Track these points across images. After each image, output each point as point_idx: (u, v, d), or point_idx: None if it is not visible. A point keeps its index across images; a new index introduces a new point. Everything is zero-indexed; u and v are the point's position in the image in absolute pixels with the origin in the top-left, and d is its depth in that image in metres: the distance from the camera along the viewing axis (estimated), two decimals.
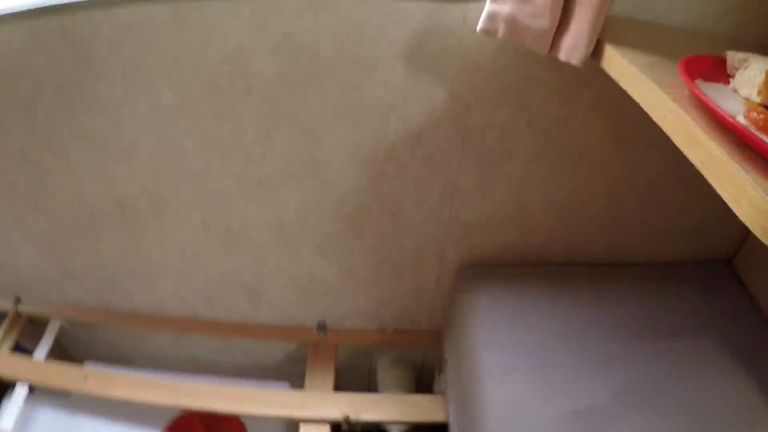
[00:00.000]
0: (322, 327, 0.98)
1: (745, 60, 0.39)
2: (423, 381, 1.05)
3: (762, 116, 0.32)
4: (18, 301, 1.08)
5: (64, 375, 0.98)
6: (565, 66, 0.52)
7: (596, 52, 0.50)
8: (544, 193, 0.77)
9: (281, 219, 0.83)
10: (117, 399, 0.93)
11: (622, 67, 0.46)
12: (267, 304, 0.96)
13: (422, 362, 1.07)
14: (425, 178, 0.77)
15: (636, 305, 0.77)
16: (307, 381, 0.93)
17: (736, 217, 0.30)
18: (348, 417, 0.86)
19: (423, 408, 0.88)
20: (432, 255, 0.86)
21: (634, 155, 0.73)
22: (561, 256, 0.84)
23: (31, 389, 1.00)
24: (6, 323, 1.07)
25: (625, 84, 0.45)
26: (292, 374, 0.95)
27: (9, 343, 1.05)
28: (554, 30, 0.51)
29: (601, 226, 0.81)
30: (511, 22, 0.52)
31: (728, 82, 0.41)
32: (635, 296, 0.79)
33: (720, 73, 0.41)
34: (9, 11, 0.63)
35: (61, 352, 1.10)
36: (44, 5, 0.63)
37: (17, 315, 1.08)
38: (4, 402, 1.01)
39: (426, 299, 0.93)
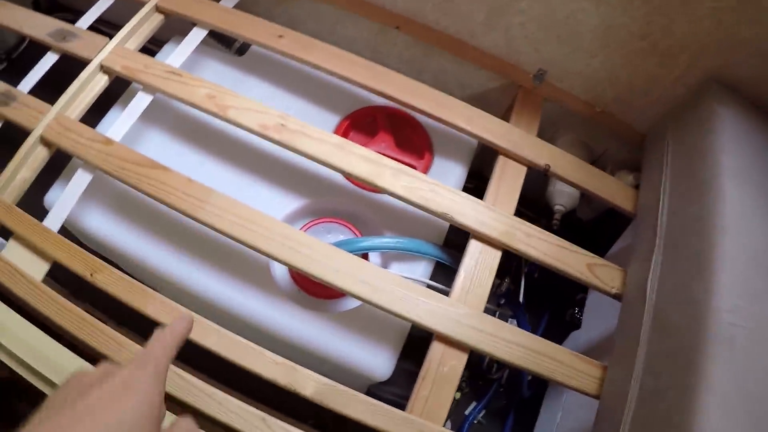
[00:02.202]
0: (540, 75, 1.00)
1: None
2: None
3: None
4: None
5: (254, 27, 0.97)
6: None
7: None
8: None
9: None
10: (310, 64, 0.95)
11: None
12: (502, 29, 0.96)
13: (597, 157, 1.12)
14: None
15: None
16: (513, 120, 0.97)
17: None
18: (548, 166, 0.92)
19: (613, 190, 0.93)
20: (691, 52, 0.85)
21: None
22: None
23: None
24: None
25: None
26: None
27: None
28: None
29: None
30: None
31: None
32: None
33: None
34: None
35: None
36: None
37: None
38: (167, 47, 1.02)
39: (654, 94, 0.94)
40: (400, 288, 0.78)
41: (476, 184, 1.13)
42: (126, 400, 0.37)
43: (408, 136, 0.99)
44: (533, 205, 1.12)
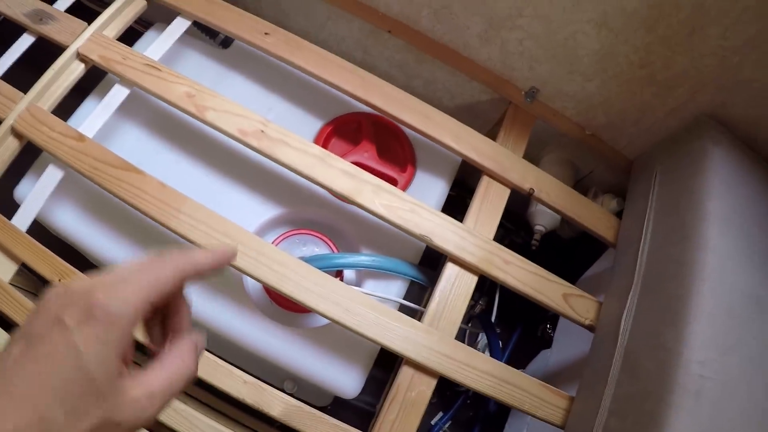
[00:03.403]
0: (532, 93, 0.98)
1: None
2: None
3: None
4: None
5: (240, 22, 0.94)
6: None
7: None
8: None
9: None
10: (295, 66, 0.92)
11: None
12: (498, 44, 0.94)
13: (582, 177, 1.11)
14: (747, 16, 0.73)
15: None
16: (501, 139, 0.95)
17: None
18: (532, 190, 0.91)
19: (596, 218, 0.93)
20: (688, 86, 0.85)
21: None
22: None
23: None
24: None
25: None
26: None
27: None
28: None
29: None
30: None
31: None
32: None
33: None
34: None
35: None
36: None
37: None
38: (149, 34, 0.98)
39: (646, 123, 0.94)
40: (372, 311, 0.78)
41: (458, 192, 1.12)
42: (83, 340, 0.31)
43: (392, 146, 0.98)
44: (513, 216, 1.12)
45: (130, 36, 0.93)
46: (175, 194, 0.81)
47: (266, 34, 0.92)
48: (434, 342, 0.79)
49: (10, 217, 0.81)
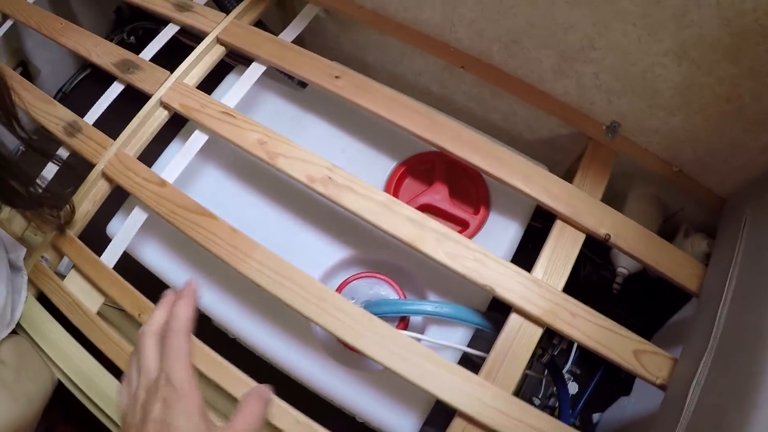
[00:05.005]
0: (613, 128, 0.97)
1: None
2: (662, 231, 1.06)
3: None
4: None
5: (311, 66, 1.00)
6: None
7: None
8: None
9: None
10: (365, 109, 0.97)
11: None
12: (573, 78, 0.93)
13: (673, 213, 1.08)
14: None
15: None
16: (578, 179, 0.95)
17: None
18: (608, 236, 0.90)
19: (677, 264, 0.90)
20: None
21: None
22: None
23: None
24: None
25: None
26: (544, 162, 0.98)
27: (250, 18, 1.07)
28: None
29: None
30: None
31: None
32: None
33: None
34: None
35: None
36: None
37: None
38: (229, 78, 1.06)
39: (738, 161, 0.89)
40: (429, 363, 0.82)
41: (543, 225, 1.12)
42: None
43: (466, 186, 1.00)
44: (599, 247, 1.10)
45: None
46: (245, 240, 0.89)
47: (336, 77, 0.98)
48: (488, 396, 0.81)
49: (102, 250, 0.95)
